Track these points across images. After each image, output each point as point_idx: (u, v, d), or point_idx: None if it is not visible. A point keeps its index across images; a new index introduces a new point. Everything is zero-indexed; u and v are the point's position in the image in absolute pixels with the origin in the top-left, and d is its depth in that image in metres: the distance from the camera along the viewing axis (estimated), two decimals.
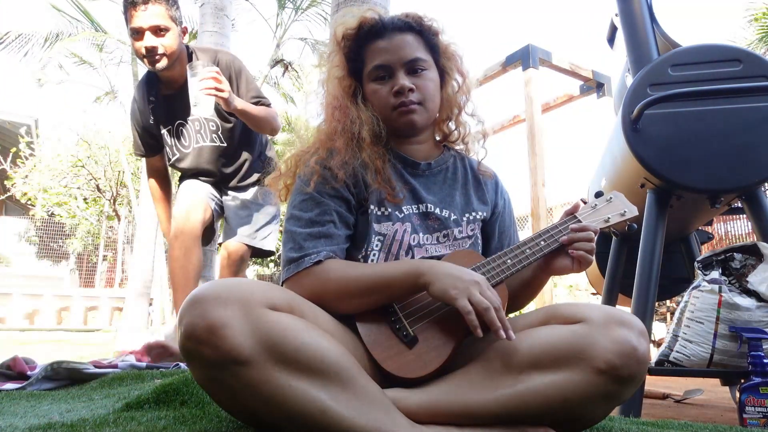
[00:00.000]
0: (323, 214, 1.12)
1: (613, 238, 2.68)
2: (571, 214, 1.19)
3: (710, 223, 3.48)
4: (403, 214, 1.17)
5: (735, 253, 1.91)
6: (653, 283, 1.96)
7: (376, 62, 1.19)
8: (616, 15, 2.38)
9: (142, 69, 11.43)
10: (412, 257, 1.15)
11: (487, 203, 1.28)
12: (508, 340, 0.96)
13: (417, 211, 1.19)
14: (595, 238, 1.13)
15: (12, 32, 10.54)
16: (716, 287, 1.84)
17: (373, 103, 1.20)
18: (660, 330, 5.76)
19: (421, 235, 1.18)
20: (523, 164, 4.65)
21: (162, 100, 2.27)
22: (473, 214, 1.24)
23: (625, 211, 1.20)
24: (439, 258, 1.16)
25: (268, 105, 2.24)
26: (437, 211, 1.20)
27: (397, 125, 1.20)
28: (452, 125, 1.31)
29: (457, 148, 1.35)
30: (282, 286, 1.09)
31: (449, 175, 1.27)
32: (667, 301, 5.41)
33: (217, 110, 2.18)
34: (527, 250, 1.12)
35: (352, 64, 1.23)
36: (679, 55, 2.01)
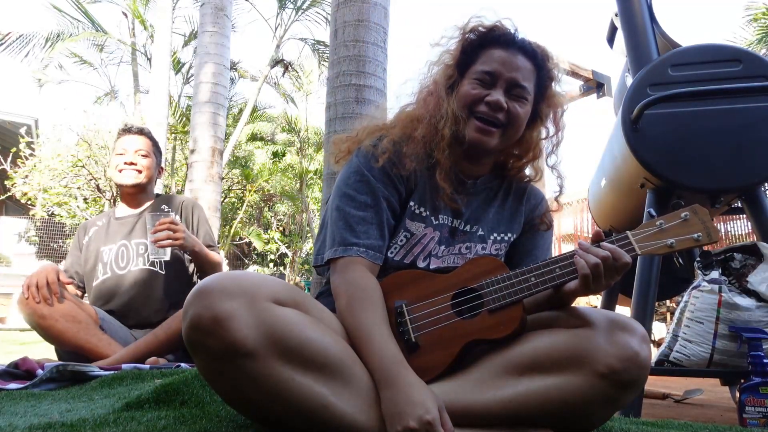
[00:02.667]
0: (376, 200, 1.11)
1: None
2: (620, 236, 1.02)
3: None
4: (437, 222, 1.17)
5: (735, 253, 1.91)
6: (653, 283, 1.96)
7: (487, 67, 1.14)
8: (616, 15, 2.38)
9: (143, 69, 11.31)
10: (428, 265, 1.14)
11: (520, 221, 1.25)
12: None
13: (450, 224, 1.18)
14: (618, 267, 0.96)
15: (13, 33, 10.55)
16: (716, 287, 1.84)
17: (459, 100, 1.15)
18: (660, 330, 5.75)
19: (443, 248, 1.16)
20: None
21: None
22: (502, 234, 1.22)
23: (698, 236, 0.97)
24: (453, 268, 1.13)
25: (218, 252, 2.39)
26: (467, 228, 1.19)
27: (466, 135, 1.14)
28: (521, 163, 1.26)
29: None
30: (325, 259, 1.11)
31: (491, 194, 1.25)
32: (667, 301, 5.41)
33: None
34: (557, 270, 0.99)
35: (463, 58, 1.18)
36: (679, 55, 2.01)
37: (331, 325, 0.98)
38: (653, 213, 1.02)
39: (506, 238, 1.22)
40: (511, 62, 1.14)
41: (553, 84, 1.20)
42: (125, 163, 2.28)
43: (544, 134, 1.23)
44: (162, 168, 2.47)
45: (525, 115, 1.16)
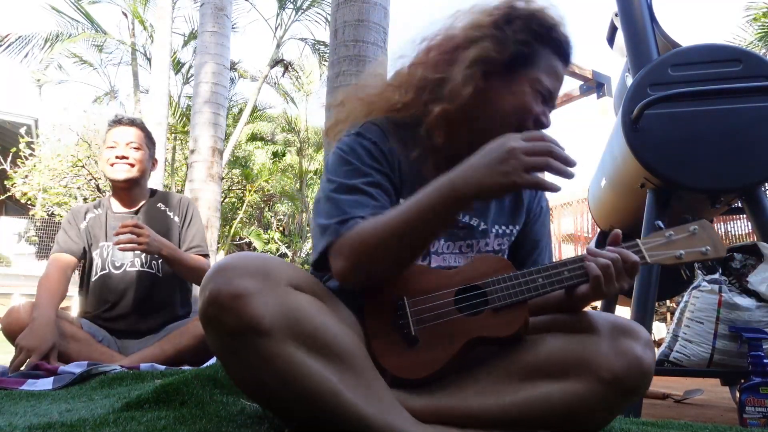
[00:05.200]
0: (368, 183, 1.01)
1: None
2: (631, 243, 1.00)
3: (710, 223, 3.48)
4: None
5: (735, 253, 1.91)
6: (653, 283, 1.96)
7: (548, 82, 1.03)
8: (616, 15, 2.38)
9: (142, 69, 11.31)
10: (429, 263, 1.08)
11: (522, 213, 1.19)
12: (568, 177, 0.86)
13: None
14: (627, 268, 0.95)
15: (12, 34, 10.56)
16: (716, 287, 1.84)
17: (512, 107, 1.02)
18: (660, 330, 5.76)
19: (441, 242, 1.09)
20: None
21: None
22: (503, 227, 1.16)
23: (707, 249, 0.99)
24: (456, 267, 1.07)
25: (206, 256, 2.29)
26: (466, 218, 1.11)
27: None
28: None
29: None
30: (325, 251, 0.97)
31: None
32: (667, 301, 5.41)
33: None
34: (565, 272, 0.98)
35: (517, 49, 1.02)
36: (679, 55, 2.01)
37: (344, 318, 0.97)
38: (661, 225, 1.03)
39: (509, 231, 1.17)
40: (560, 79, 1.06)
41: None
42: (117, 157, 2.19)
43: None
44: (156, 160, 2.38)
45: None
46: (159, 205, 2.29)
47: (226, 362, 0.90)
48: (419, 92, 1.05)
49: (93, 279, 2.20)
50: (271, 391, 0.88)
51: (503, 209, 1.17)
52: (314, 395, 0.85)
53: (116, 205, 2.30)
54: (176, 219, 2.28)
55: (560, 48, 1.05)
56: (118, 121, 2.28)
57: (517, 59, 1.02)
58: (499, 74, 1.02)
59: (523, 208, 1.20)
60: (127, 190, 2.25)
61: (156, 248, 2.02)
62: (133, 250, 2.01)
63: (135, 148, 2.22)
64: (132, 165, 2.20)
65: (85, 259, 2.25)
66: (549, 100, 1.05)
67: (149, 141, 2.31)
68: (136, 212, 2.26)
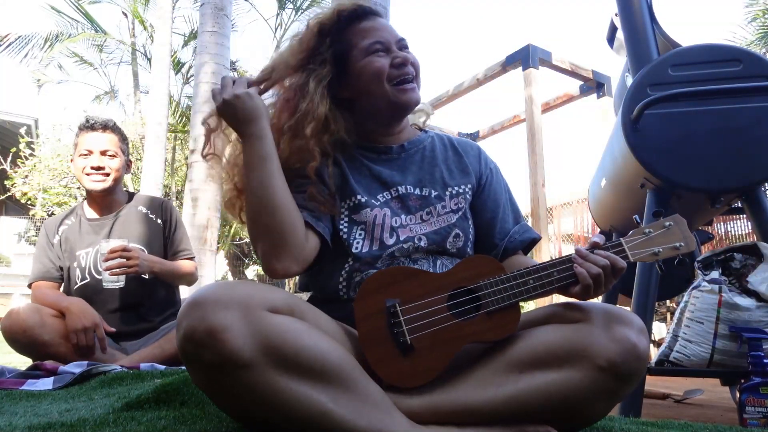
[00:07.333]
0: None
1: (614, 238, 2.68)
2: (616, 244, 1.06)
3: (710, 223, 3.48)
4: (379, 201, 1.17)
5: (735, 253, 1.91)
6: (653, 283, 1.96)
7: (371, 39, 1.17)
8: (616, 15, 2.38)
9: (143, 69, 11.23)
10: (397, 239, 1.14)
11: (470, 174, 1.26)
12: None
13: (392, 196, 1.18)
14: (615, 273, 1.00)
15: (12, 34, 10.55)
16: (716, 287, 1.84)
17: (370, 78, 1.17)
18: (660, 330, 5.76)
19: (403, 217, 1.16)
20: (523, 164, 4.66)
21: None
22: (456, 188, 1.22)
23: (680, 245, 1.04)
24: (424, 235, 1.14)
25: (192, 258, 2.31)
26: (416, 191, 1.19)
27: (397, 102, 1.17)
28: None
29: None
30: None
31: (427, 153, 1.25)
32: (667, 301, 5.41)
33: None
34: (555, 274, 1.01)
35: (333, 50, 1.19)
36: (679, 55, 2.01)
37: (328, 330, 0.97)
38: (638, 220, 1.09)
39: (462, 190, 1.22)
40: (382, 25, 1.21)
41: None
42: (92, 168, 2.16)
43: None
44: (130, 161, 2.35)
45: None
46: (140, 208, 2.27)
47: (210, 394, 0.90)
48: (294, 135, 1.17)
49: (74, 288, 2.16)
50: (258, 417, 0.88)
51: (451, 172, 1.24)
52: (304, 418, 0.85)
53: (90, 212, 2.26)
54: (158, 222, 2.26)
55: (358, 14, 1.21)
56: (90, 126, 2.21)
57: (341, 55, 1.18)
58: (341, 73, 1.19)
59: (469, 169, 1.26)
60: (102, 198, 2.23)
61: (147, 267, 2.06)
62: (125, 273, 2.03)
63: (111, 156, 2.19)
64: (107, 175, 2.18)
65: (62, 273, 2.23)
66: (388, 48, 1.18)
67: (124, 144, 2.27)
68: (115, 215, 2.23)
